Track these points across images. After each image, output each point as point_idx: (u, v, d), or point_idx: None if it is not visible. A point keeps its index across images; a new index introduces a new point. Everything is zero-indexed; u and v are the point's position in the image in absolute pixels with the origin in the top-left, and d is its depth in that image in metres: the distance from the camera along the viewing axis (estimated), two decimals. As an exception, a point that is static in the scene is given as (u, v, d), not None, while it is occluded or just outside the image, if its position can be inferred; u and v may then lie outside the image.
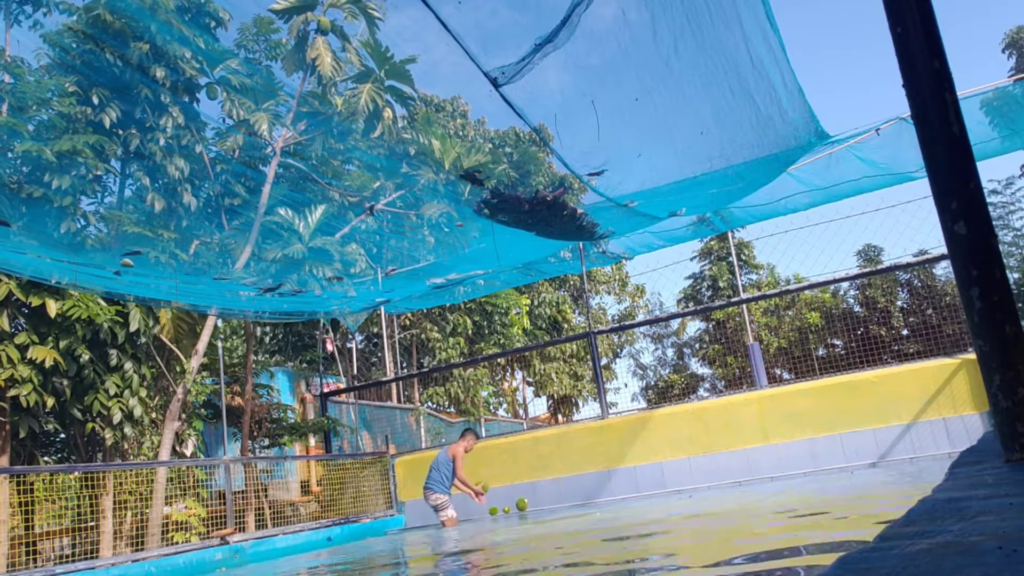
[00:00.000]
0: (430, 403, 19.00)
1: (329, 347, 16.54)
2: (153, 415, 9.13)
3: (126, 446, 8.84)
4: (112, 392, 8.22)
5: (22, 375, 7.51)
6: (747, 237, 24.71)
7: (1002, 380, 2.72)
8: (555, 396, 22.78)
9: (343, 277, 7.89)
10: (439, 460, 8.71)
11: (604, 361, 25.22)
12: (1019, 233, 23.45)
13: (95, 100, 6.17)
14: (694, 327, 26.92)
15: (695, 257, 26.69)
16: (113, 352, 8.33)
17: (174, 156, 6.52)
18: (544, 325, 22.90)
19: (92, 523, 8.27)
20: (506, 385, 23.50)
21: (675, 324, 26.63)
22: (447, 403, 18.86)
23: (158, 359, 9.12)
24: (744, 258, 25.62)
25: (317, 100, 7.23)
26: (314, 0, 7.37)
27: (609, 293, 27.21)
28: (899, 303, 21.90)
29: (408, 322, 18.45)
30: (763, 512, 5.16)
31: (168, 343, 9.24)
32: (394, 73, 7.82)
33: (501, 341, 19.87)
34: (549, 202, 6.80)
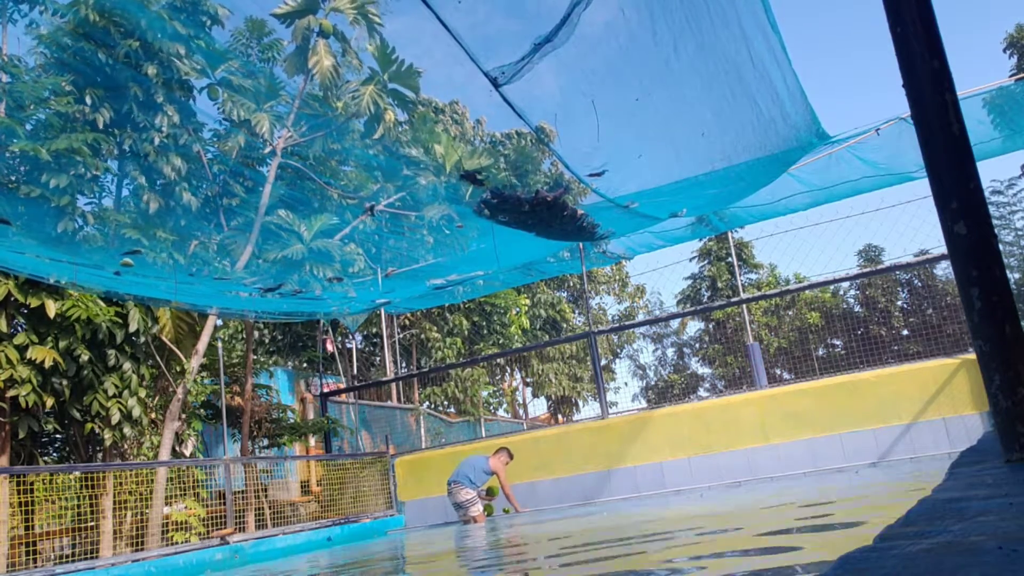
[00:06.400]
0: (430, 403, 18.99)
1: (329, 347, 16.52)
2: (153, 415, 9.12)
3: (125, 446, 8.83)
4: (111, 392, 8.21)
5: (21, 375, 7.50)
6: (747, 237, 24.73)
7: (1002, 380, 2.72)
8: (553, 397, 22.76)
9: (343, 278, 7.89)
10: (475, 463, 8.79)
11: (604, 361, 25.21)
12: (1020, 233, 23.45)
13: (88, 100, 6.14)
14: (694, 327, 26.93)
15: (694, 257, 26.71)
16: (112, 352, 8.32)
17: (170, 155, 6.48)
18: (542, 325, 22.89)
19: (92, 523, 8.26)
20: (505, 385, 23.48)
21: (675, 324, 26.62)
22: (447, 403, 18.85)
23: (158, 359, 9.10)
24: (744, 258, 25.62)
25: (318, 102, 7.21)
26: (316, 4, 7.36)
27: (609, 293, 27.22)
28: (899, 303, 21.91)
29: (408, 322, 18.44)
30: (777, 510, 5.16)
31: (168, 343, 9.23)
32: (397, 76, 7.81)
33: (500, 341, 19.86)
34: (549, 203, 6.79)
